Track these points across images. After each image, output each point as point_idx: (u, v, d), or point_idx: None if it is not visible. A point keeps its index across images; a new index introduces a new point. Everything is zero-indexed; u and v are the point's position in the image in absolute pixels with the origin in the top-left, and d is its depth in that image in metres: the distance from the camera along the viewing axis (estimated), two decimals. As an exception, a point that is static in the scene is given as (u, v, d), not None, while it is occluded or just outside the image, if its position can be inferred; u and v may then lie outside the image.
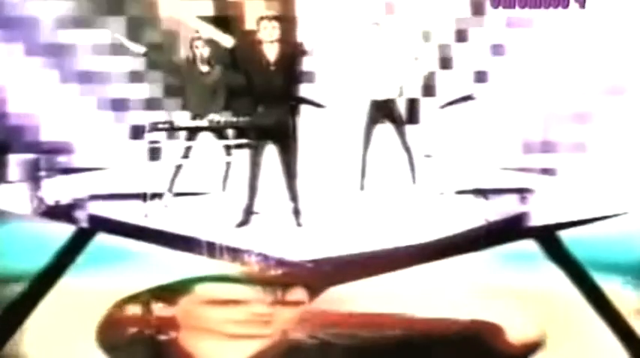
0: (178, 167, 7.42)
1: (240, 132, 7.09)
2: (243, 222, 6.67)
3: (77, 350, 6.41)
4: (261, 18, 6.71)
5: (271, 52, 6.64)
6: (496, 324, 6.46)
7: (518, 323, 6.48)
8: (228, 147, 7.42)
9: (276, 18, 6.74)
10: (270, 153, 6.78)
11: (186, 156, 7.39)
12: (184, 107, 7.46)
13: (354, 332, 6.04)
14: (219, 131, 7.37)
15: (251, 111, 6.73)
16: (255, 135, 6.69)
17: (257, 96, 6.64)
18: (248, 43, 6.87)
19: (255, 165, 6.67)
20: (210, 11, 8.21)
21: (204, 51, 7.50)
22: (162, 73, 7.91)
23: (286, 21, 7.20)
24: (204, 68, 7.52)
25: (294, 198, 6.67)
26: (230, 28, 8.15)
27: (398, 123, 7.56)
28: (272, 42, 6.63)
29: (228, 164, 7.48)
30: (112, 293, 7.20)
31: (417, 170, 7.56)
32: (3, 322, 6.64)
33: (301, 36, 8.01)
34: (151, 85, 8.24)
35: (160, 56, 7.85)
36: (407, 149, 7.53)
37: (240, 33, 8.01)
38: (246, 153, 7.00)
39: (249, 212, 6.69)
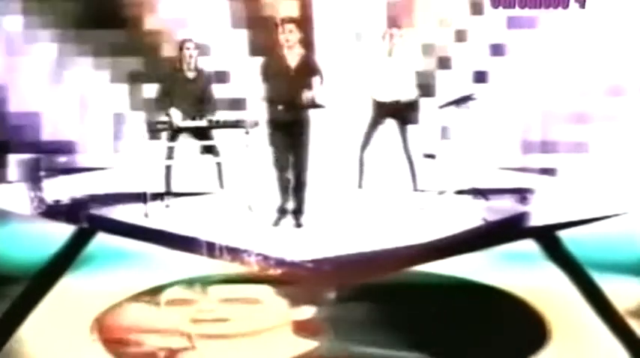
0: (168, 168, 7.39)
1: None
2: (278, 221, 6.71)
3: (77, 350, 6.41)
4: (280, 21, 6.69)
5: (292, 57, 6.63)
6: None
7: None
8: (214, 148, 7.39)
9: (293, 21, 6.69)
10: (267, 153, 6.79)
11: (170, 156, 7.34)
12: (168, 112, 7.37)
13: None
14: (202, 133, 7.32)
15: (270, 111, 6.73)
16: (275, 134, 6.68)
17: (275, 99, 6.63)
18: (269, 46, 6.87)
19: (280, 166, 6.69)
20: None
21: (193, 53, 7.40)
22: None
23: (304, 24, 7.17)
24: (191, 74, 7.46)
25: (299, 199, 6.67)
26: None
27: (402, 124, 7.54)
28: (290, 46, 6.60)
29: (219, 164, 7.45)
30: (112, 293, 7.21)
31: (417, 177, 7.56)
32: (3, 322, 6.64)
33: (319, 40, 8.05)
34: (151, 86, 8.25)
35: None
36: (408, 157, 7.53)
37: (262, 36, 8.04)
38: (240, 154, 7.01)
39: (282, 211, 6.72)
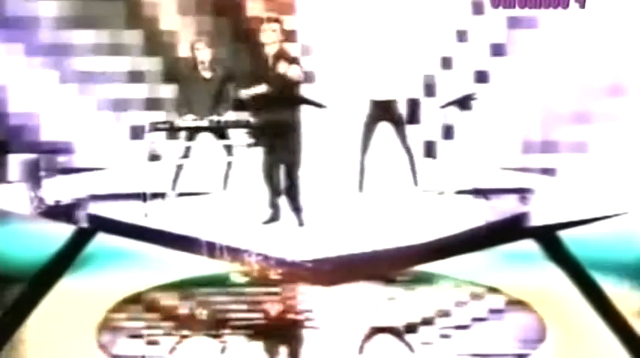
0: (179, 167, 7.39)
1: (250, 132, 7.06)
2: (272, 219, 6.70)
3: (77, 350, 6.41)
4: (262, 20, 6.67)
5: (271, 56, 6.62)
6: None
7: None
8: (229, 147, 7.39)
9: (276, 20, 6.67)
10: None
11: (186, 156, 7.35)
12: (187, 112, 7.34)
13: None
14: (219, 131, 7.32)
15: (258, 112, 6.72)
16: (261, 135, 6.68)
17: (260, 98, 6.63)
18: (250, 46, 6.83)
19: (266, 166, 6.68)
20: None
21: (205, 54, 7.40)
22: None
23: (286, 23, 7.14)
24: (207, 74, 7.43)
25: (295, 199, 6.66)
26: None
27: (398, 124, 7.52)
28: (272, 45, 6.60)
29: (229, 164, 7.45)
30: (112, 293, 7.21)
31: (418, 172, 7.54)
32: (3, 322, 6.64)
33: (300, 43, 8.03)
34: (151, 85, 8.25)
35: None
36: (408, 151, 7.50)
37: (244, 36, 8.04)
38: (248, 152, 7.01)
39: (275, 208, 6.71)
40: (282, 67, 6.49)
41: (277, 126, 6.57)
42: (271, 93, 6.59)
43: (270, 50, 6.58)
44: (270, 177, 6.69)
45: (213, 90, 7.36)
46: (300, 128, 6.64)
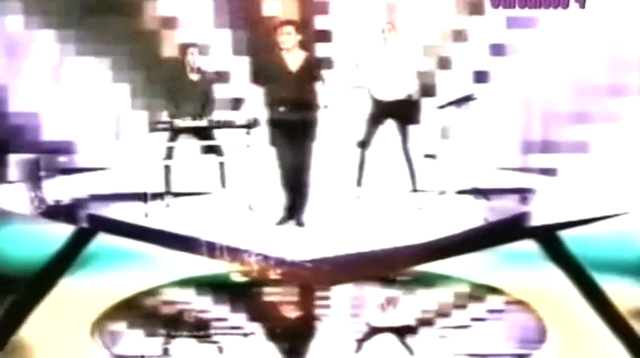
0: (167, 167, 7.38)
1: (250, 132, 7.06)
2: (284, 220, 6.68)
3: (77, 350, 6.42)
4: (278, 24, 6.65)
5: (292, 59, 6.60)
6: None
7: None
8: (217, 148, 7.39)
9: (291, 23, 6.65)
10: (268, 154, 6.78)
11: (169, 156, 7.33)
12: (172, 113, 7.36)
13: None
14: (206, 132, 7.32)
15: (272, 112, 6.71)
16: (277, 135, 6.66)
17: (277, 101, 6.60)
18: (268, 50, 6.80)
19: (284, 166, 6.66)
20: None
21: (196, 59, 7.44)
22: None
23: (304, 27, 7.10)
24: (194, 76, 7.49)
25: (302, 198, 6.65)
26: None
27: (402, 123, 7.50)
28: (289, 49, 6.56)
29: (221, 164, 7.45)
30: (112, 293, 7.22)
31: (417, 178, 7.54)
32: (3, 322, 6.65)
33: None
34: (154, 85, 8.25)
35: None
36: (407, 155, 7.50)
37: (260, 38, 8.04)
38: (246, 152, 7.02)
39: (289, 209, 6.69)
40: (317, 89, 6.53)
41: (295, 125, 6.56)
42: (289, 97, 6.58)
43: (292, 59, 6.56)
44: (287, 177, 6.68)
45: (199, 92, 7.42)
46: (316, 127, 6.63)
